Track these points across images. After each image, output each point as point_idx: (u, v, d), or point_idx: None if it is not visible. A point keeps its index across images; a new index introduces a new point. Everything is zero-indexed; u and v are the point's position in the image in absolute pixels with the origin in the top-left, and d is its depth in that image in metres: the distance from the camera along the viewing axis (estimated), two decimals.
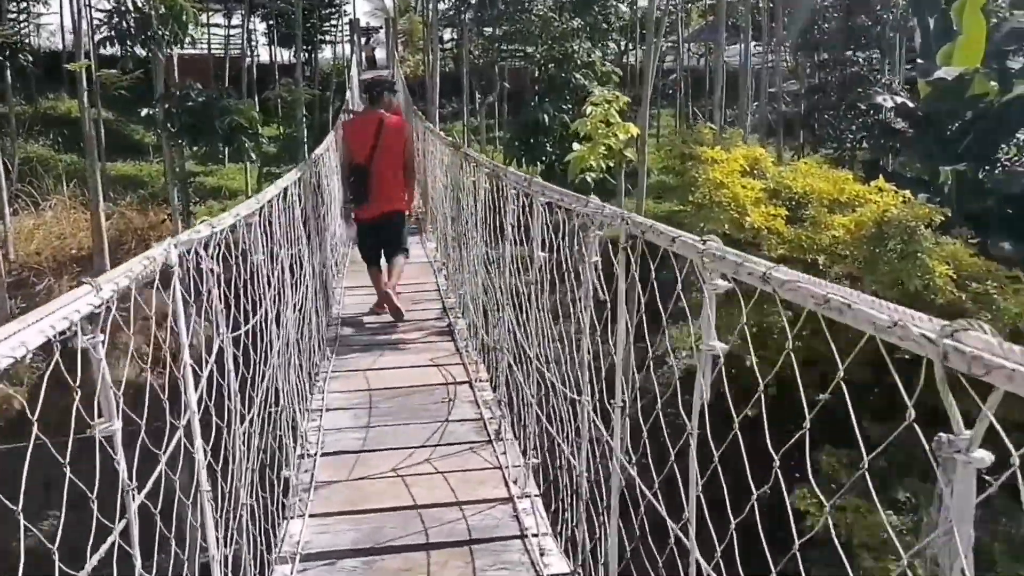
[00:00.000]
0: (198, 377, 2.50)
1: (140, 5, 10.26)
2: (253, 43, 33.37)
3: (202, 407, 2.48)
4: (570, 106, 12.25)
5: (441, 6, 23.66)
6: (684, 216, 12.58)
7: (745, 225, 12.50)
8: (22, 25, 23.15)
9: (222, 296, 2.90)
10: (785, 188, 13.28)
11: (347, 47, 31.21)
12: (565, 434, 3.40)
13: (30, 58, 18.07)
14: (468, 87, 23.45)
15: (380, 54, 36.74)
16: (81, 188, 18.71)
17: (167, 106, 11.30)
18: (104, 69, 13.39)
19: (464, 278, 6.44)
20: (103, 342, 1.61)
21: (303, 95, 16.94)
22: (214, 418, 2.65)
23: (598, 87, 12.29)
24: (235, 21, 26.90)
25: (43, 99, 24.38)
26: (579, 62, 12.63)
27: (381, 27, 38.26)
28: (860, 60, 17.35)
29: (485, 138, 23.81)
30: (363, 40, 31.24)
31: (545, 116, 12.00)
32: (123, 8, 10.23)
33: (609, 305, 2.59)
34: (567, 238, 3.26)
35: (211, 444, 2.56)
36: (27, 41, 22.18)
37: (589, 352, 2.89)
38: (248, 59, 27.41)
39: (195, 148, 11.51)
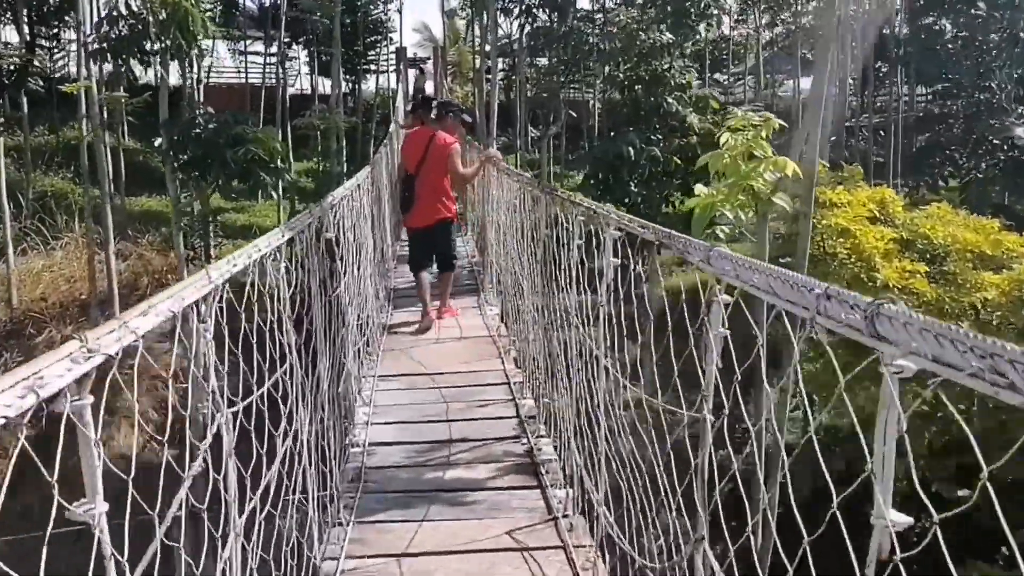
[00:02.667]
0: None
1: (136, 9, 8.40)
2: (294, 72, 32.12)
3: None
4: (659, 136, 10.13)
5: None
6: (794, 271, 10.11)
7: (874, 283, 10.05)
8: (55, 53, 21.65)
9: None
10: (921, 238, 10.74)
11: (393, 77, 29.49)
12: None
13: (41, 83, 16.37)
14: (523, 118, 21.49)
15: (428, 86, 35.06)
16: (100, 225, 16.85)
17: (173, 135, 9.35)
18: (109, 91, 11.60)
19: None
20: (92, 405, 1.40)
21: (338, 123, 14.95)
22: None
23: (693, 114, 10.16)
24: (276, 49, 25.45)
25: (69, 128, 22.67)
26: (672, 83, 10.45)
27: (429, 58, 36.62)
28: (992, 87, 14.97)
29: (548, 174, 21.70)
30: (413, 70, 29.50)
31: (629, 148, 9.85)
32: (115, 14, 8.40)
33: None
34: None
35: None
36: (49, 65, 20.60)
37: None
38: (289, 88, 25.89)
39: (204, 183, 9.54)
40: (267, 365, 2.69)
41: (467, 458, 4.55)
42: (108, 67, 14.02)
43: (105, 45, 8.58)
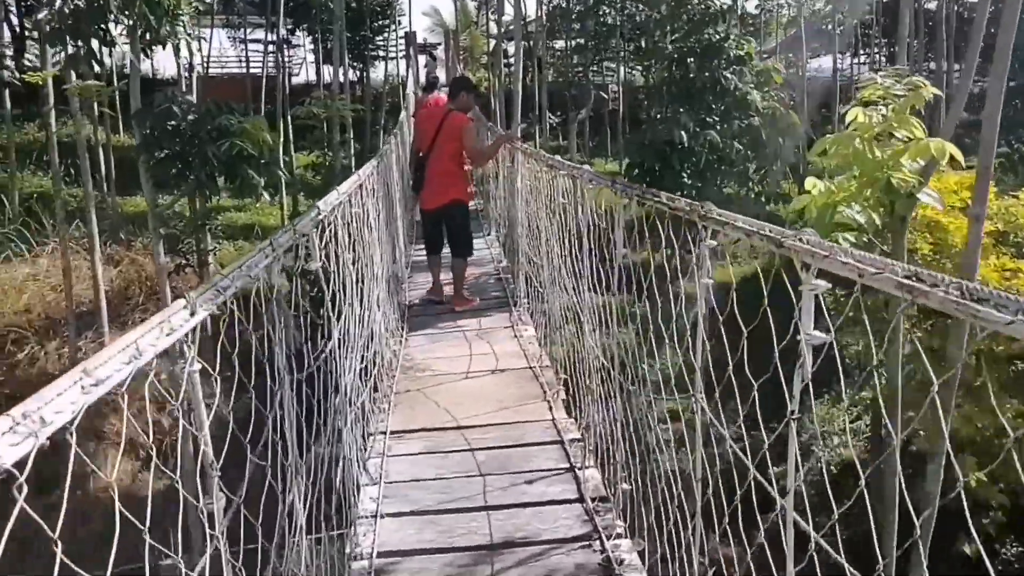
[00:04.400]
0: None
1: None
2: (299, 60, 30.76)
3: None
4: (716, 118, 8.57)
5: (505, 17, 20.37)
6: None
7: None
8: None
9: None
10: (1018, 229, 9.26)
11: (403, 64, 28.10)
12: None
13: (16, 74, 15.03)
14: (543, 103, 20.02)
15: (440, 72, 33.80)
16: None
17: (146, 128, 7.96)
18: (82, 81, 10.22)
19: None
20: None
21: (341, 111, 13.50)
22: None
23: (754, 91, 8.66)
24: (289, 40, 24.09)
25: (61, 125, 21.32)
26: (730, 55, 8.81)
27: (440, 43, 35.33)
28: None
29: (580, 162, 20.15)
30: (423, 56, 28.13)
31: (682, 133, 8.29)
32: None
33: None
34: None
35: None
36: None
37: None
38: (293, 77, 24.54)
39: (183, 183, 8.14)
40: None
41: None
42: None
43: (61, 26, 7.22)
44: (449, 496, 3.85)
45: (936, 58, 21.61)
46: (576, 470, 3.98)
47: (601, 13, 17.86)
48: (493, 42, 32.81)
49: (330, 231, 3.51)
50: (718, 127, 8.27)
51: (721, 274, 2.20)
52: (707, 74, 8.58)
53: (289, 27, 27.69)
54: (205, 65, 25.86)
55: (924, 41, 23.03)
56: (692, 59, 8.74)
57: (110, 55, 8.78)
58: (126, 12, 7.22)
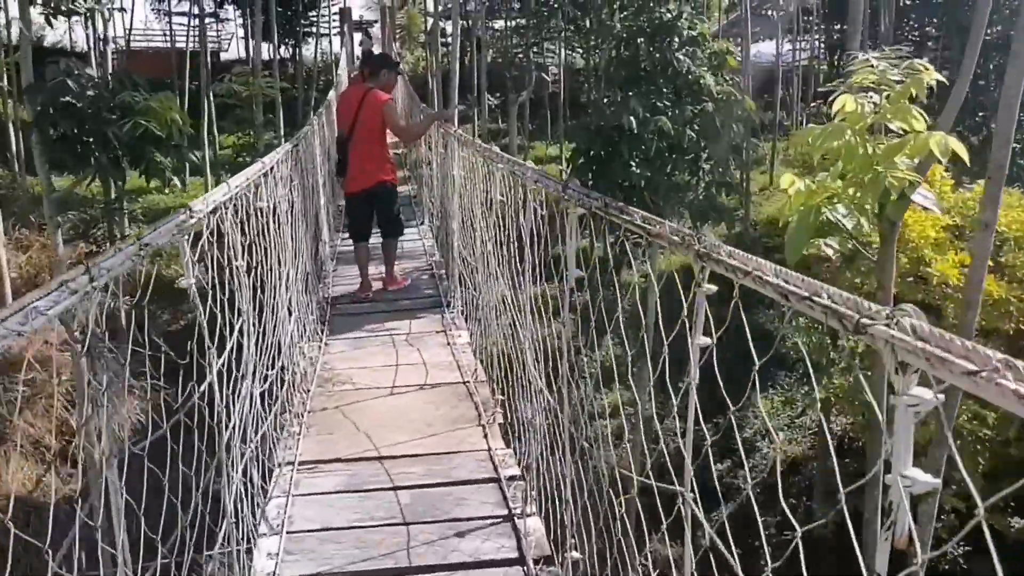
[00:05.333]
0: None
1: None
2: (227, 35, 29.54)
3: None
4: (666, 103, 7.91)
5: None
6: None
7: (926, 281, 8.28)
8: None
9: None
10: (974, 223, 8.95)
11: (336, 42, 27.10)
12: None
13: None
14: (481, 85, 19.29)
15: (376, 50, 32.97)
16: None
17: (38, 104, 7.09)
18: None
19: None
20: None
21: (263, 88, 12.59)
22: None
23: (708, 74, 8.06)
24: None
25: None
26: (683, 36, 8.11)
27: (376, 21, 34.45)
28: None
29: (519, 149, 19.41)
30: (359, 35, 27.22)
31: (631, 119, 7.61)
32: None
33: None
34: None
35: None
36: None
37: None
38: (223, 54, 23.39)
39: (83, 165, 7.27)
40: None
41: None
42: None
43: None
44: (365, 554, 3.19)
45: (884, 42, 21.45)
46: (516, 519, 3.36)
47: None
48: (431, 21, 32.01)
49: (207, 235, 2.83)
50: (668, 112, 7.65)
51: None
52: (658, 55, 7.91)
53: (218, 0, 26.51)
54: (127, 38, 24.58)
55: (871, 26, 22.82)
56: (642, 39, 8.05)
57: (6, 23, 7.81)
58: None
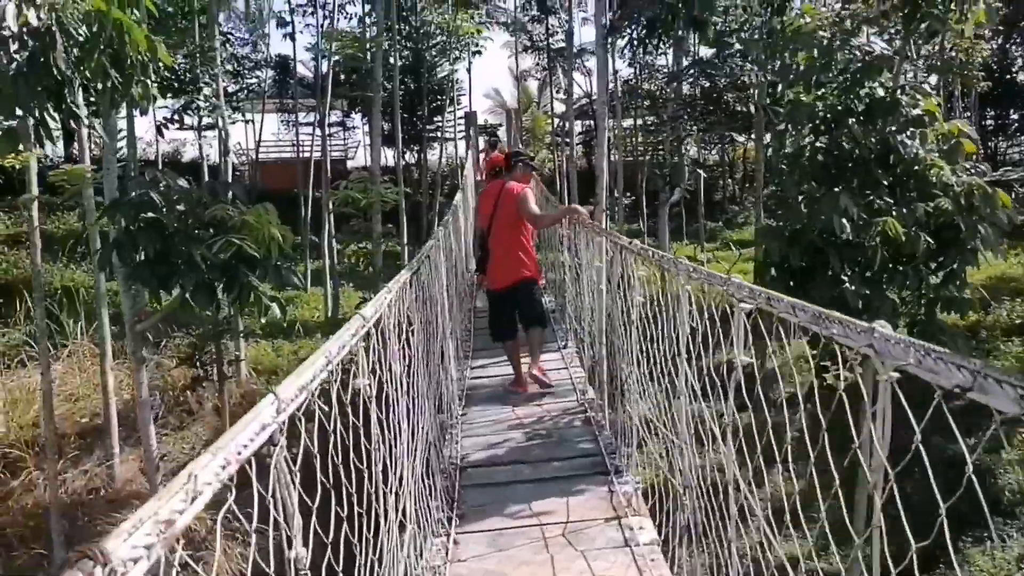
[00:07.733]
0: None
1: (38, 24, 4.99)
2: (354, 143, 29.51)
3: None
4: (889, 201, 5.92)
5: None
6: None
7: None
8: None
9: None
10: None
11: (462, 145, 26.54)
12: None
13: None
14: (611, 183, 17.89)
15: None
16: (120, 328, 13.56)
17: (117, 223, 5.90)
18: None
19: None
20: None
21: (383, 195, 11.29)
22: None
23: (940, 160, 6.18)
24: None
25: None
26: (906, 114, 6.17)
27: (501, 124, 34.04)
28: None
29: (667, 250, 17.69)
30: (484, 137, 26.62)
31: (844, 221, 5.70)
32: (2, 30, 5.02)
33: None
34: None
35: None
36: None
37: None
38: (349, 161, 22.90)
39: (160, 298, 6.03)
40: None
41: None
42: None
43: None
44: None
45: None
46: None
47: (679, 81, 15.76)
48: (556, 121, 31.22)
49: None
50: (893, 212, 5.76)
51: None
52: (874, 139, 6.05)
53: (344, 109, 26.36)
54: (256, 149, 24.51)
55: None
56: (852, 119, 6.20)
57: (88, 127, 6.85)
58: (83, 68, 5.18)
